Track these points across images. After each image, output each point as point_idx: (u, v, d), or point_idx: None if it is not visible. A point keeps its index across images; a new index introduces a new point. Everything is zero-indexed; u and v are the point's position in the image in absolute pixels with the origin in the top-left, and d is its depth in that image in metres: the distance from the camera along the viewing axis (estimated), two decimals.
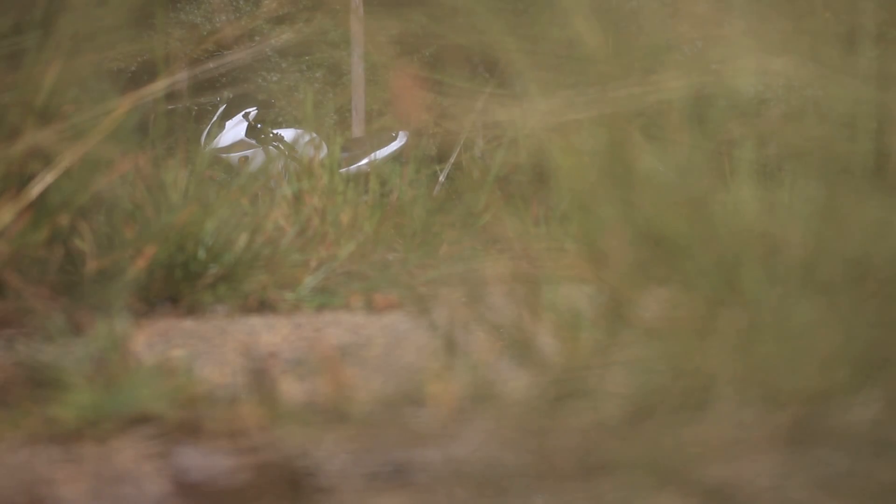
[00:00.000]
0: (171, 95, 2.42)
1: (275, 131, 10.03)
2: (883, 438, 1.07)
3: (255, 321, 2.23)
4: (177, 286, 2.37)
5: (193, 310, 2.34)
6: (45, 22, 2.09)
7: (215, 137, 9.87)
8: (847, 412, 1.11)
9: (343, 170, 3.30)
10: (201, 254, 2.41)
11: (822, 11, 1.24)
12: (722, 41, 1.29)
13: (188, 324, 2.17)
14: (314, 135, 3.36)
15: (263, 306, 2.42)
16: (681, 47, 1.30)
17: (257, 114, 10.53)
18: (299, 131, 3.61)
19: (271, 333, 2.04)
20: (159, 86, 2.19)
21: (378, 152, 9.47)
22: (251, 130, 10.29)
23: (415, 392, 1.33)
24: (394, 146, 9.96)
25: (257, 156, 9.55)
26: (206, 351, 1.84)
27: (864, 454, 1.05)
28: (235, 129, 10.30)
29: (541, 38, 1.33)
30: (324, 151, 3.30)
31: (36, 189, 2.06)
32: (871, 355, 1.13)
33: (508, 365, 1.32)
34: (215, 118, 10.27)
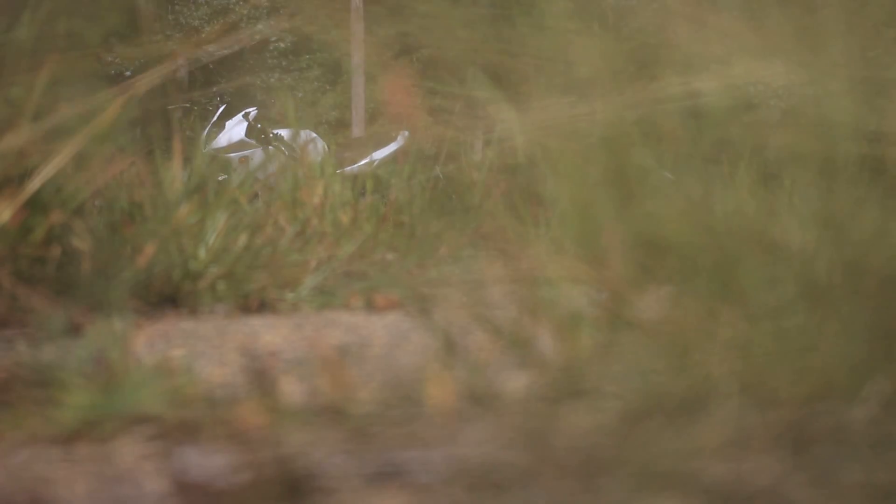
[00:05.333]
0: (169, 95, 2.41)
1: (275, 131, 10.03)
2: (883, 438, 1.07)
3: (255, 321, 2.23)
4: (177, 286, 2.37)
5: (193, 310, 2.35)
6: (39, 20, 2.09)
7: (215, 137, 9.87)
8: (847, 412, 1.11)
9: (343, 170, 3.30)
10: (201, 254, 2.41)
11: (819, 12, 1.24)
12: (718, 43, 1.29)
13: (188, 324, 2.17)
14: (314, 135, 3.36)
15: (263, 306, 2.42)
16: (676, 50, 1.30)
17: (257, 114, 10.52)
18: (298, 131, 3.60)
19: (271, 333, 2.04)
20: (152, 78, 2.19)
21: (377, 153, 9.47)
22: (251, 130, 10.28)
23: (415, 392, 1.33)
24: (393, 147, 9.95)
25: (257, 156, 9.54)
26: (206, 351, 1.84)
27: (864, 454, 1.05)
28: (235, 129, 10.29)
29: (532, 43, 1.34)
30: (324, 151, 3.31)
31: (31, 187, 2.06)
32: (871, 356, 1.13)
33: (508, 365, 1.32)
34: (215, 118, 10.26)
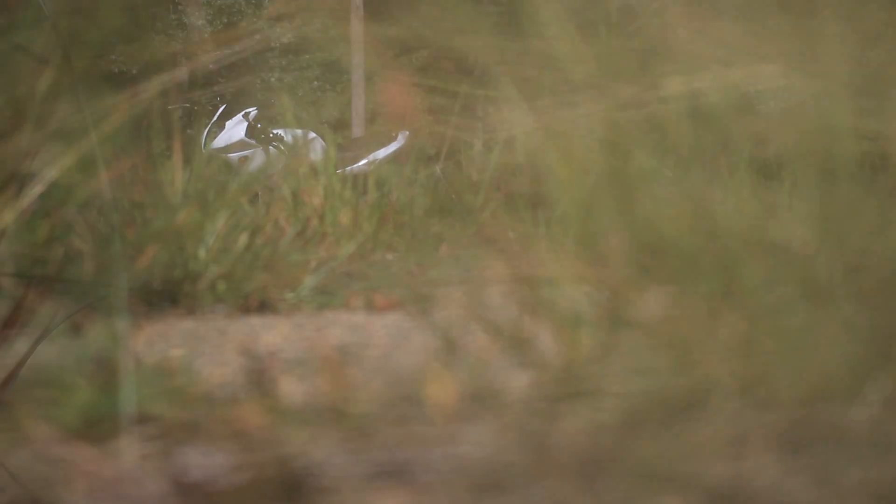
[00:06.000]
0: (170, 95, 2.42)
1: (275, 131, 10.03)
2: (883, 438, 1.07)
3: (255, 321, 2.23)
4: (177, 286, 2.37)
5: (193, 310, 2.35)
6: (42, 21, 2.09)
7: (215, 137, 9.87)
8: (847, 412, 1.11)
9: (343, 170, 3.30)
10: (201, 254, 2.41)
11: (818, 13, 1.24)
12: (718, 44, 1.29)
13: (188, 324, 2.17)
14: (314, 134, 3.36)
15: (263, 306, 2.42)
16: (677, 51, 1.30)
17: (257, 114, 10.52)
18: (298, 131, 3.61)
19: (271, 333, 2.04)
20: (156, 85, 2.19)
21: (378, 153, 9.46)
22: (251, 130, 10.28)
23: (415, 392, 1.33)
24: (393, 147, 9.95)
25: (257, 156, 9.54)
26: (206, 351, 1.84)
27: (864, 454, 1.05)
28: (235, 129, 10.29)
29: (534, 43, 1.34)
30: (323, 152, 3.31)
31: (33, 188, 2.06)
32: (871, 356, 1.13)
33: (508, 365, 1.32)
34: (215, 118, 10.27)
